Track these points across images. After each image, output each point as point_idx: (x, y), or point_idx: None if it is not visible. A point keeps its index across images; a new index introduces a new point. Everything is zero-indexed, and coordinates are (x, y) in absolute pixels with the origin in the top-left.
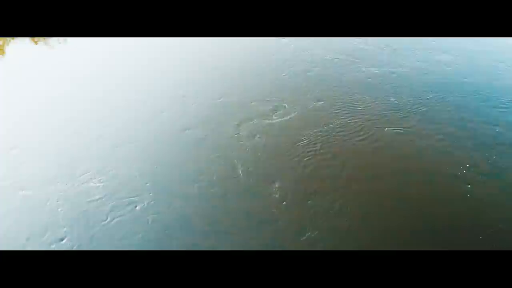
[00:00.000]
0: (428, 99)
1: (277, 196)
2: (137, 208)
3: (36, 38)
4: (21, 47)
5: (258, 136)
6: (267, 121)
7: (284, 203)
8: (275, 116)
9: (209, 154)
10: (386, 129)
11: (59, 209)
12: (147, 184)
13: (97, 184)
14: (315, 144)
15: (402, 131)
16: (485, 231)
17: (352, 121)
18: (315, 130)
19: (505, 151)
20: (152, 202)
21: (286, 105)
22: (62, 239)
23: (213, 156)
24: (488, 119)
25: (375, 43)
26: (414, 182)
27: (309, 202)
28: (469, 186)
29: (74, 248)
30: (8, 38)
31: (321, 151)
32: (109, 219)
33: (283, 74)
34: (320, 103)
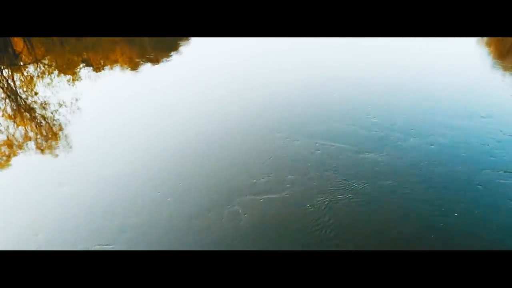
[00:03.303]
0: (423, 164)
1: None
2: None
3: (43, 147)
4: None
5: (266, 215)
6: (271, 196)
7: None
8: (279, 191)
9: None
10: (385, 192)
11: None
12: None
13: None
14: (323, 212)
15: (399, 190)
16: None
17: (355, 187)
18: (319, 199)
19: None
20: None
21: (291, 176)
22: None
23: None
24: (474, 180)
25: (377, 128)
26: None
27: None
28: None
29: None
30: (16, 147)
31: (330, 220)
32: None
33: (284, 155)
34: (327, 173)
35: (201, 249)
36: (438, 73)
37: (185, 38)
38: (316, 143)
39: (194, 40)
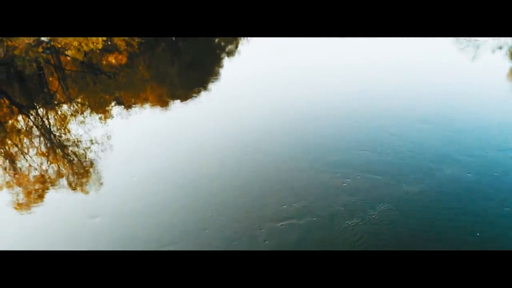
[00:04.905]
0: (451, 190)
1: None
2: None
3: (76, 182)
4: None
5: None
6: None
7: None
8: (309, 215)
9: None
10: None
11: None
12: None
13: None
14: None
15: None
16: None
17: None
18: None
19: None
20: None
21: (312, 202)
22: None
23: None
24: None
25: (398, 156)
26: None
27: None
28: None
29: None
30: (49, 183)
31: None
32: None
33: (312, 185)
34: (354, 198)
35: None
36: (468, 103)
37: (213, 75)
38: (338, 173)
39: (222, 76)
